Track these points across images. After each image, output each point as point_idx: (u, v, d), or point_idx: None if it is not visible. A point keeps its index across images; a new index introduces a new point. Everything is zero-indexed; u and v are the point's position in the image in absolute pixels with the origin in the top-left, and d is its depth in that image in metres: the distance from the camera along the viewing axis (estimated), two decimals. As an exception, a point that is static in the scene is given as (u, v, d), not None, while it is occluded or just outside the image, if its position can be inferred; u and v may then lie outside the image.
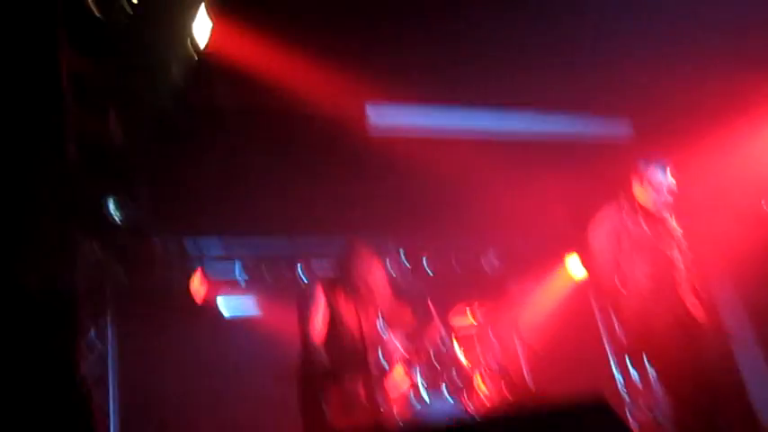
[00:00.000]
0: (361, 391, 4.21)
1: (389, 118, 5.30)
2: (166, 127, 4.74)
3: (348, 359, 4.30)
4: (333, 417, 4.07)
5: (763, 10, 4.76)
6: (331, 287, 4.56)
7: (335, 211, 6.68)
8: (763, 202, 6.53)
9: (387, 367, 4.67)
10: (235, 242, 6.97)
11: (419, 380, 5.58)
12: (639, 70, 5.27)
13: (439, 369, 5.64)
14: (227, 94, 4.64)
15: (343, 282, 4.60)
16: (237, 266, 6.98)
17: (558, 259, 8.19)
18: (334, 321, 4.43)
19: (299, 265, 7.04)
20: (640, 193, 4.21)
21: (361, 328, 4.45)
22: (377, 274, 4.63)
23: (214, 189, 5.89)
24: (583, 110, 5.97)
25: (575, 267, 8.04)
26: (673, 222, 4.21)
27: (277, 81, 4.60)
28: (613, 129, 6.19)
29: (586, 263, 7.59)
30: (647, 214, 4.16)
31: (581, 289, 8.40)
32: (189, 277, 6.50)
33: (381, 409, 4.27)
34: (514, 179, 6.33)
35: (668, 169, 4.19)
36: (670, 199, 4.17)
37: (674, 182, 4.18)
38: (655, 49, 5.08)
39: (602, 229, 4.25)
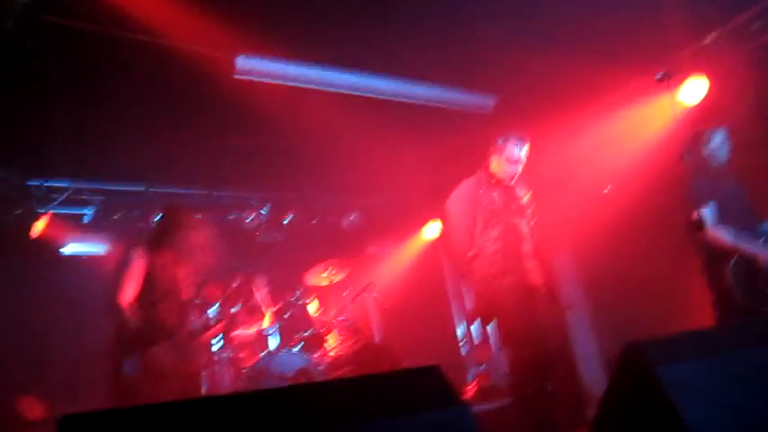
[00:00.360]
0: (169, 358, 4.08)
1: (259, 71, 5.12)
2: (11, 52, 4.37)
3: (160, 324, 4.15)
4: (138, 383, 3.90)
5: (623, 6, 5.04)
6: (153, 249, 4.37)
7: (196, 162, 6.48)
8: (605, 190, 7.00)
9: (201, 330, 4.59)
10: (86, 185, 6.61)
11: (271, 336, 5.63)
12: (506, 52, 5.43)
13: (291, 326, 5.71)
14: (84, 16, 4.27)
15: (163, 244, 4.40)
16: (88, 211, 6.65)
17: (417, 223, 8.44)
18: (150, 284, 4.24)
19: (153, 216, 6.75)
20: (496, 164, 4.41)
21: (178, 289, 4.33)
22: (201, 237, 4.47)
23: (67, 128, 5.51)
24: (452, 83, 6.10)
25: (431, 231, 8.32)
26: (522, 194, 4.47)
27: (144, 12, 4.30)
28: (480, 103, 6.37)
29: (443, 227, 7.88)
30: (500, 185, 4.38)
31: (435, 252, 8.75)
32: (34, 218, 6.13)
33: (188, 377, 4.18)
34: (382, 142, 6.40)
35: (524, 145, 4.39)
36: (519, 171, 4.40)
37: (525, 157, 4.40)
38: (522, 34, 5.25)
39: (460, 195, 4.42)
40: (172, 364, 4.07)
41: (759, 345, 2.45)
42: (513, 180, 4.44)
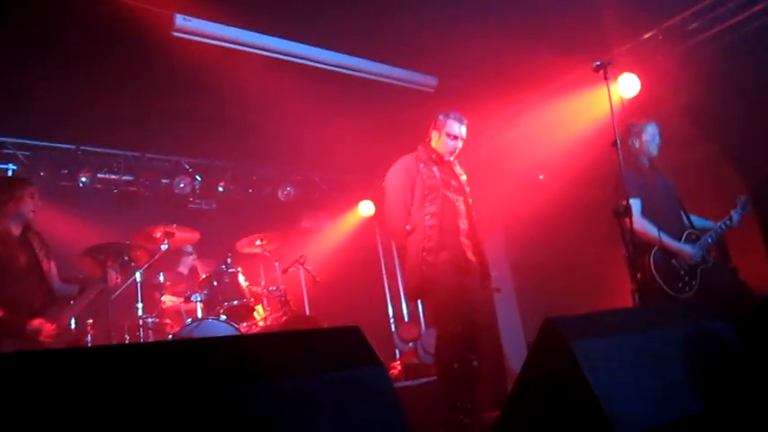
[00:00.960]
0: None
1: (199, 30, 4.97)
2: None
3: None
4: None
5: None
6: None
7: (130, 123, 6.28)
8: (540, 176, 7.13)
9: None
10: (11, 140, 6.33)
11: (198, 306, 5.55)
12: (450, 33, 5.47)
13: (219, 297, 5.64)
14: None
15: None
16: (12, 166, 6.37)
17: (353, 199, 8.44)
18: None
19: (82, 177, 6.54)
20: (436, 140, 4.45)
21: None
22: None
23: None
24: (395, 60, 6.09)
25: (367, 208, 8.33)
26: (459, 170, 4.52)
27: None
28: (423, 81, 6.39)
29: (378, 203, 7.90)
30: (440, 161, 4.41)
31: (370, 229, 8.78)
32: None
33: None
34: (323, 115, 6.34)
35: (464, 123, 4.44)
36: (459, 147, 4.46)
37: (464, 134, 4.45)
38: (466, 17, 5.30)
39: (398, 170, 4.43)
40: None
41: (667, 326, 2.57)
42: (453, 156, 4.48)
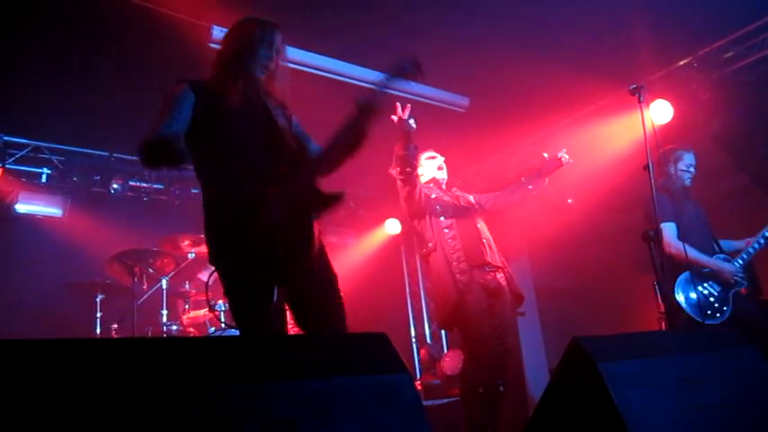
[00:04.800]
0: None
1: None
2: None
3: None
4: None
5: (599, 24, 5.13)
6: None
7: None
8: (569, 200, 7.08)
9: None
10: (47, 144, 6.46)
11: (222, 315, 5.58)
12: (484, 55, 5.51)
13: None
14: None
15: None
16: (46, 170, 6.50)
17: (380, 217, 8.45)
18: None
19: (114, 183, 6.64)
20: (424, 171, 4.61)
21: None
22: None
23: (32, 85, 5.38)
24: (428, 81, 6.13)
25: (393, 226, 8.33)
26: (460, 193, 4.63)
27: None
28: (454, 101, 6.41)
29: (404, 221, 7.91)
30: (439, 187, 4.53)
31: (396, 247, 8.78)
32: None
33: None
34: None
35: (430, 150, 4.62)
36: (443, 163, 4.62)
37: (437, 154, 4.64)
38: (501, 41, 5.35)
39: (422, 191, 4.45)
40: None
41: (697, 350, 2.52)
42: (444, 172, 4.63)
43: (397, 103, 3.81)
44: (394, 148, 3.98)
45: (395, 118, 3.78)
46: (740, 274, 4.40)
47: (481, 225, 4.43)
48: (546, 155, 4.59)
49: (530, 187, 4.58)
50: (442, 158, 4.65)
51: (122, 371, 1.37)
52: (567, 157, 4.53)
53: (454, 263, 4.17)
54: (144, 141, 2.44)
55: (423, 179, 4.53)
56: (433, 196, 4.41)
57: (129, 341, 1.61)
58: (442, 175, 4.60)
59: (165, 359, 1.42)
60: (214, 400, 1.38)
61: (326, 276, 2.81)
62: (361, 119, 2.86)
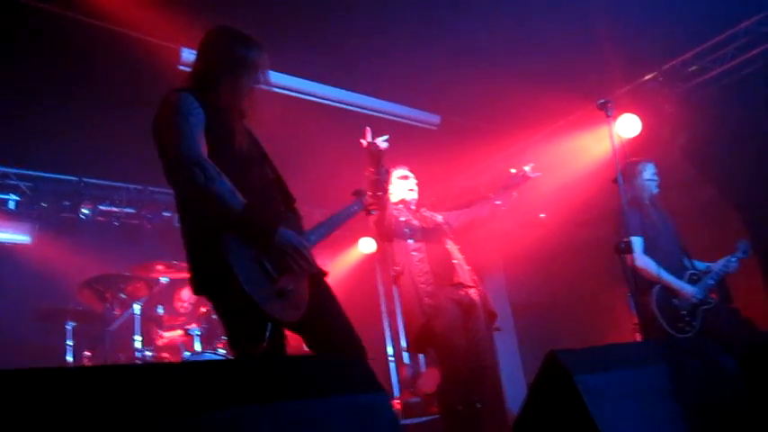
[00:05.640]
0: None
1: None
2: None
3: None
4: None
5: (566, 40, 5.22)
6: None
7: (133, 155, 6.30)
8: (541, 215, 7.14)
9: None
10: (14, 170, 6.36)
11: (196, 339, 5.51)
12: (453, 73, 5.57)
13: (218, 331, 5.60)
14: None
15: None
16: (14, 197, 6.39)
17: (353, 236, 8.42)
18: None
19: (83, 208, 6.54)
20: (393, 190, 4.58)
21: None
22: None
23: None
24: (399, 99, 6.16)
25: (367, 244, 8.31)
26: (429, 213, 4.62)
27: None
28: (426, 119, 6.45)
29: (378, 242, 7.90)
30: (408, 209, 4.54)
31: (371, 267, 8.75)
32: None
33: None
34: (324, 150, 6.37)
35: (405, 167, 4.65)
36: (416, 190, 4.62)
37: (411, 174, 4.65)
38: (470, 58, 5.40)
39: (391, 212, 4.45)
40: None
41: (673, 361, 2.54)
42: (415, 193, 4.62)
43: (366, 127, 3.79)
44: (365, 170, 3.96)
45: (364, 142, 3.76)
46: (699, 296, 4.45)
47: (451, 246, 4.42)
48: (513, 170, 4.62)
49: (498, 203, 4.59)
50: (415, 180, 4.66)
51: (88, 401, 1.34)
52: (530, 171, 4.56)
53: (421, 285, 4.17)
54: (188, 162, 2.36)
55: (393, 198, 4.52)
56: (402, 219, 4.40)
57: (97, 369, 1.57)
58: (413, 196, 4.60)
59: (135, 387, 1.40)
60: (186, 427, 1.35)
61: (333, 297, 2.82)
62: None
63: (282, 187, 2.87)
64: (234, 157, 2.58)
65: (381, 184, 3.90)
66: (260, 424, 1.39)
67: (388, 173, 3.95)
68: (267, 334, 2.36)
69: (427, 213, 4.63)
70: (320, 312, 2.66)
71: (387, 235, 4.33)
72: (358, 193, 3.56)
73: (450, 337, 4.09)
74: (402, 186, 4.59)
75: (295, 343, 3.46)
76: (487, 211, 4.65)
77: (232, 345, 2.55)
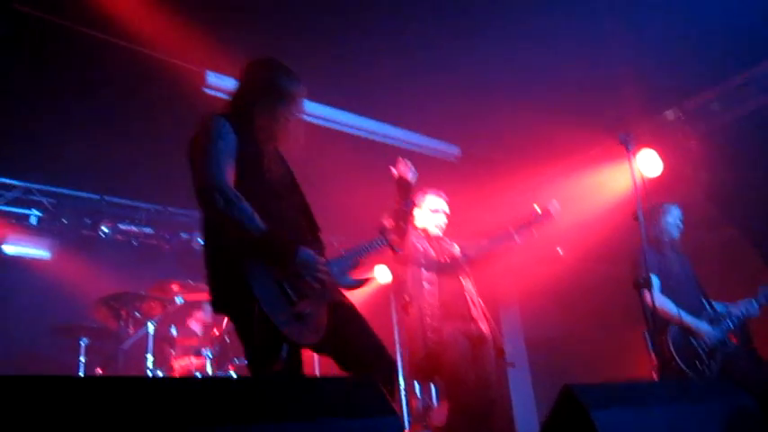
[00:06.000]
0: None
1: (229, 90, 5.07)
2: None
3: None
4: None
5: (587, 75, 5.23)
6: None
7: (154, 175, 6.37)
8: (559, 249, 7.07)
9: None
10: (37, 186, 6.44)
11: (207, 362, 5.50)
12: (474, 105, 5.59)
13: (230, 353, 5.59)
14: (56, 9, 4.19)
15: None
16: (36, 212, 6.47)
17: (370, 263, 8.37)
18: None
19: (103, 226, 6.60)
20: (420, 217, 4.52)
21: None
22: None
23: (24, 125, 5.39)
24: (419, 129, 6.19)
25: (382, 273, 8.26)
26: (452, 245, 4.53)
27: (117, 13, 4.25)
28: (445, 150, 6.46)
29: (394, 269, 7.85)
30: (428, 237, 4.45)
31: (385, 297, 8.69)
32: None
33: None
34: (346, 179, 6.39)
35: (443, 198, 4.54)
36: (444, 221, 4.51)
37: (447, 208, 4.53)
38: (491, 90, 5.42)
39: (411, 238, 4.41)
40: None
41: (691, 400, 2.49)
42: (441, 230, 4.51)
43: (399, 158, 3.80)
44: (392, 200, 3.93)
45: (394, 172, 3.77)
46: (716, 337, 4.38)
47: (465, 281, 4.37)
48: (537, 206, 4.57)
49: (516, 239, 4.52)
50: (445, 218, 4.55)
51: (99, 412, 1.34)
52: (554, 208, 4.50)
53: (428, 318, 4.12)
54: (211, 188, 2.45)
55: (416, 223, 4.49)
56: (420, 247, 4.36)
57: (107, 380, 1.58)
58: (437, 220, 4.53)
59: (147, 400, 1.39)
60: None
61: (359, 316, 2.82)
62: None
63: (310, 216, 2.91)
64: (263, 183, 2.64)
65: (405, 215, 3.90)
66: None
67: (412, 204, 3.96)
68: (283, 355, 2.40)
69: (446, 244, 4.58)
70: (347, 332, 2.68)
71: (402, 259, 4.29)
72: (383, 231, 3.56)
73: (459, 371, 4.03)
74: (431, 218, 4.51)
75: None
76: (504, 248, 4.58)
77: (249, 364, 2.59)
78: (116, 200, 6.77)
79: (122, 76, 4.93)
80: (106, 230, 6.57)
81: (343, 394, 1.58)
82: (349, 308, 2.80)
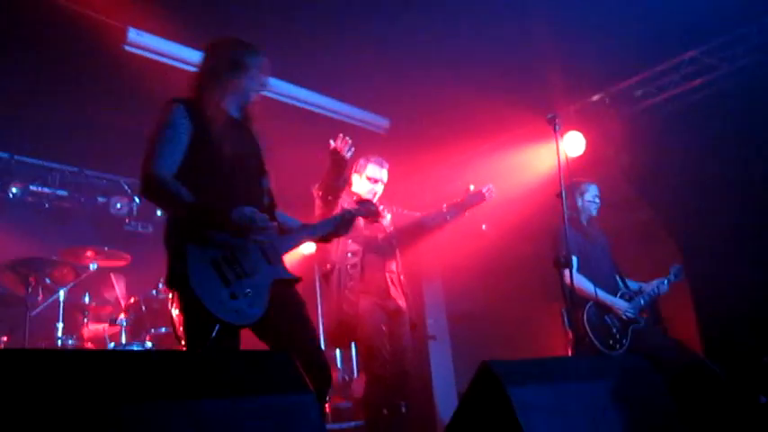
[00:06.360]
0: None
1: (153, 47, 4.86)
2: None
3: None
4: None
5: (518, 57, 5.27)
6: None
7: (70, 136, 6.07)
8: (483, 226, 7.16)
9: None
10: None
11: (122, 331, 5.34)
12: (404, 79, 5.54)
13: (146, 323, 5.43)
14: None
15: None
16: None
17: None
18: None
19: (13, 187, 6.26)
20: (357, 183, 4.43)
21: None
22: None
23: None
24: (349, 100, 6.11)
25: (306, 245, 8.16)
26: (386, 215, 4.43)
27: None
28: (374, 122, 6.41)
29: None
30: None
31: (309, 267, 8.63)
32: None
33: None
34: (269, 145, 6.25)
35: (384, 167, 4.44)
36: (379, 191, 4.41)
37: (385, 177, 4.44)
38: (422, 63, 5.38)
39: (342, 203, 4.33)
40: None
41: (603, 377, 2.56)
42: (375, 198, 4.39)
43: (340, 135, 3.71)
44: (324, 172, 3.84)
45: (332, 145, 3.68)
46: (631, 312, 4.54)
47: (389, 257, 4.34)
48: (472, 187, 4.57)
49: (448, 218, 4.52)
50: (382, 187, 4.45)
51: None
52: (488, 192, 4.51)
53: (346, 291, 4.10)
54: (145, 178, 2.57)
55: (352, 188, 4.42)
56: None
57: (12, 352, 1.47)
58: (373, 190, 4.40)
59: (53, 374, 1.30)
60: (105, 420, 1.26)
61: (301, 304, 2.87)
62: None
63: (271, 196, 2.96)
64: (216, 165, 2.70)
65: (337, 191, 3.86)
66: (174, 422, 1.30)
67: (346, 182, 3.95)
68: (213, 334, 2.43)
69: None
70: (286, 319, 2.73)
71: None
72: (362, 204, 3.63)
73: (373, 344, 4.05)
74: (367, 186, 4.40)
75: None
76: (436, 224, 4.57)
77: (182, 339, 2.69)
78: (27, 159, 6.41)
79: (37, 29, 4.63)
80: (16, 191, 6.23)
81: (257, 369, 1.53)
82: (293, 294, 2.83)
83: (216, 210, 2.56)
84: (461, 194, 4.58)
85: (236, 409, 1.39)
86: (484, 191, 4.52)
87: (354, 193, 4.41)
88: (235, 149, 2.74)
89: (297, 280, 2.81)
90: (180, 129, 2.65)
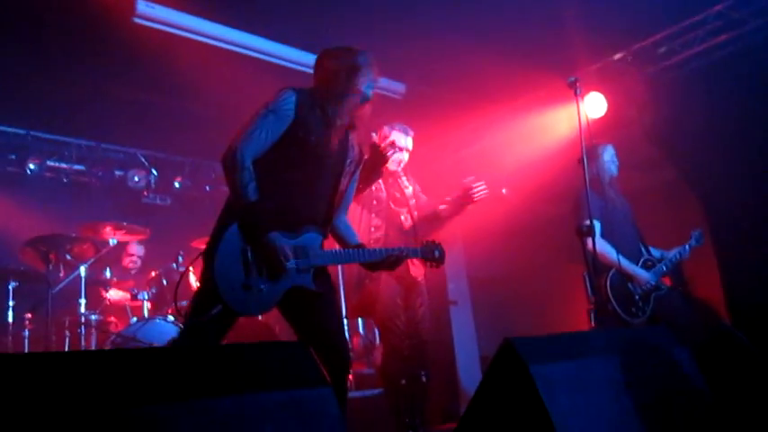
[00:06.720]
0: None
1: (163, 18, 4.77)
2: None
3: None
4: None
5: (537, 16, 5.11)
6: None
7: (86, 110, 6.04)
8: (503, 190, 7.05)
9: None
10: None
11: (144, 304, 5.36)
12: (421, 43, 5.40)
13: (168, 296, 5.46)
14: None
15: None
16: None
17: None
18: None
19: (30, 163, 6.27)
20: None
21: None
22: None
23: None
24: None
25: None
26: (406, 183, 4.36)
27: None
28: (391, 87, 6.29)
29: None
30: (385, 173, 4.24)
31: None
32: None
33: None
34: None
35: (410, 135, 4.31)
36: (404, 159, 4.28)
37: (410, 146, 4.32)
38: (438, 26, 5.25)
39: None
40: None
41: (628, 351, 2.51)
42: (400, 167, 4.31)
43: (386, 137, 3.85)
44: (367, 159, 3.74)
45: (374, 137, 3.71)
46: (652, 283, 4.46)
47: (407, 219, 4.24)
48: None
49: (441, 207, 4.33)
50: (408, 155, 4.31)
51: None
52: (479, 192, 4.29)
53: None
54: (229, 150, 2.68)
55: None
56: (373, 187, 4.19)
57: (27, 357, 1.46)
58: (398, 158, 4.23)
59: (63, 378, 1.27)
60: (117, 423, 1.23)
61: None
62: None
63: (329, 204, 2.97)
64: (297, 162, 2.80)
65: (368, 183, 3.86)
66: (192, 420, 1.28)
67: (379, 177, 3.99)
68: (212, 312, 2.55)
69: (404, 182, 4.32)
70: (314, 320, 2.82)
71: (357, 198, 4.13)
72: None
73: (390, 316, 4.04)
74: (393, 156, 4.15)
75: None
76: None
77: (187, 311, 2.82)
78: (44, 135, 6.41)
79: (46, 3, 4.58)
80: (33, 167, 6.24)
81: (272, 363, 1.49)
82: (327, 302, 2.89)
83: (258, 224, 2.66)
84: (459, 190, 4.34)
85: (252, 406, 1.36)
86: (474, 191, 4.26)
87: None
88: (322, 153, 2.84)
89: (318, 294, 2.82)
90: (282, 118, 2.76)
